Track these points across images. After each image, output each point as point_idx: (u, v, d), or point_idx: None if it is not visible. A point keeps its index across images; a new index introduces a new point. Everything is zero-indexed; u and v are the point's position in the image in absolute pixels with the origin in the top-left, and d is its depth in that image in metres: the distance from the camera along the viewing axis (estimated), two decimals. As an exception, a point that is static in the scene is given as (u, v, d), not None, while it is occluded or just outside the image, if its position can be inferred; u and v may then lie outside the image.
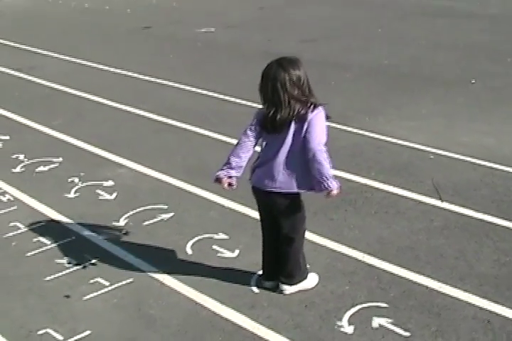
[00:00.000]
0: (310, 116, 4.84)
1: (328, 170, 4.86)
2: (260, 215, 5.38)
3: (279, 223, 5.19)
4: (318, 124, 4.87)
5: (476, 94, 10.15)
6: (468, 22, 15.12)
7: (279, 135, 4.91)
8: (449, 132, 8.60)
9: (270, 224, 5.28)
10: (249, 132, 4.99)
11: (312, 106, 4.87)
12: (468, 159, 7.70)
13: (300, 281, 5.37)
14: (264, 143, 5.06)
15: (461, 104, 9.69)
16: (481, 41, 13.35)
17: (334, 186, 4.88)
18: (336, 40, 14.16)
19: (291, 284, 5.35)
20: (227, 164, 5.05)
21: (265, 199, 5.15)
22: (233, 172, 5.05)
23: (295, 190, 5.02)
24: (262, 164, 5.07)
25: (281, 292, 5.37)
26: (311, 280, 5.45)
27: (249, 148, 5.02)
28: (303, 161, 4.93)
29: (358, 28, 15.37)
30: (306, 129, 4.85)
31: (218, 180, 5.09)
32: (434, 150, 7.99)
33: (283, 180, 4.98)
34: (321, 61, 11.92)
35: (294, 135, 4.89)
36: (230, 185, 5.10)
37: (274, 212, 5.17)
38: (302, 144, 4.88)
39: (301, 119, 4.84)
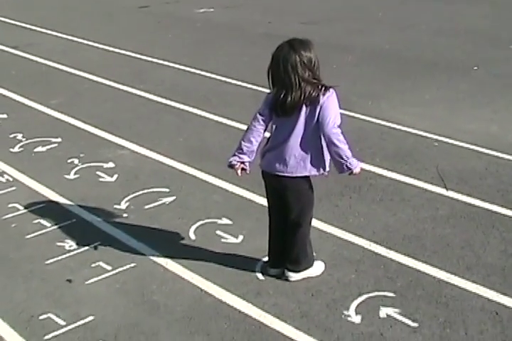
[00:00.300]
0: (322, 99, 4.76)
1: (346, 151, 4.84)
2: (268, 201, 5.29)
3: (287, 208, 5.11)
4: (331, 107, 4.80)
5: (479, 80, 10.05)
6: (468, 7, 14.96)
7: (290, 118, 4.83)
8: (453, 119, 8.51)
9: (278, 209, 5.20)
10: (259, 116, 4.91)
11: (323, 89, 4.78)
12: (473, 147, 7.62)
13: (306, 268, 5.30)
14: (274, 127, 4.97)
15: (465, 91, 9.59)
16: (482, 27, 13.21)
17: (355, 165, 4.89)
18: (336, 23, 14.02)
19: (296, 271, 5.28)
20: (239, 149, 4.99)
21: (275, 184, 5.07)
22: (245, 158, 5.00)
23: (307, 173, 4.97)
24: (272, 148, 4.99)
25: (286, 279, 5.29)
26: (317, 267, 5.38)
27: (260, 133, 4.95)
28: (316, 144, 4.89)
29: (358, 10, 15.21)
30: (319, 113, 4.78)
31: (231, 166, 5.04)
32: (438, 137, 7.90)
33: (294, 164, 4.91)
34: (322, 43, 11.64)
35: (306, 118, 4.81)
36: (243, 169, 5.04)
37: (283, 196, 5.08)
38: (315, 128, 4.82)
39: (313, 102, 4.76)
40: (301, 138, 4.87)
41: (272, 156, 4.99)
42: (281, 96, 4.76)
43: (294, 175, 4.96)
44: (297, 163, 4.92)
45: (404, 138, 7.97)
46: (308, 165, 4.94)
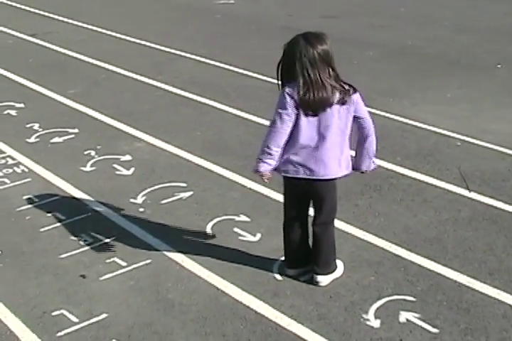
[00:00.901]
0: (354, 97, 4.64)
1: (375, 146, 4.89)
2: (288, 203, 5.08)
3: (318, 209, 4.99)
4: (362, 103, 4.72)
5: (502, 79, 9.89)
6: (491, 4, 14.77)
7: (321, 117, 4.61)
8: (475, 118, 8.36)
9: (302, 210, 5.08)
10: (285, 117, 4.61)
11: (348, 85, 4.65)
12: (496, 147, 7.46)
13: (334, 270, 5.17)
14: (300, 127, 4.66)
15: (487, 90, 9.43)
16: (505, 24, 13.02)
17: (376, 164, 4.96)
18: (357, 17, 13.86)
19: (327, 273, 5.11)
20: (269, 155, 4.70)
21: (307, 188, 4.86)
22: (274, 163, 4.77)
23: (340, 174, 4.83)
24: (301, 151, 4.71)
25: (316, 284, 5.11)
26: (340, 268, 5.27)
27: (287, 135, 4.67)
28: (345, 143, 4.75)
29: (379, 5, 15.04)
30: (355, 110, 4.67)
31: (261, 174, 4.79)
32: (460, 137, 7.75)
33: (330, 166, 4.73)
34: (342, 38, 11.62)
35: (339, 116, 4.62)
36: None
37: (315, 199, 4.95)
38: (346, 126, 4.68)
39: (345, 100, 4.60)
40: (335, 137, 4.68)
41: (302, 159, 4.72)
42: (309, 94, 4.53)
43: (329, 177, 4.78)
44: (333, 164, 4.74)
45: (426, 137, 7.83)
46: (343, 165, 4.80)
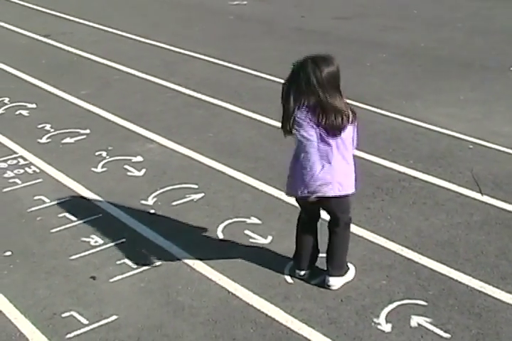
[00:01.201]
0: (355, 117, 4.73)
1: None
2: (305, 209, 5.15)
3: (336, 214, 5.03)
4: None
5: (516, 82, 9.84)
6: (504, 7, 14.69)
7: (341, 137, 4.68)
8: (488, 121, 8.31)
9: (316, 214, 5.18)
10: (310, 138, 4.68)
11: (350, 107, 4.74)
12: (509, 150, 7.42)
13: (346, 271, 5.16)
14: (316, 148, 4.73)
15: (500, 92, 9.37)
16: (518, 27, 12.99)
17: None
18: (370, 19, 13.79)
19: (339, 275, 5.10)
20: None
21: (329, 202, 4.93)
22: None
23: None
24: (321, 170, 4.78)
25: (329, 286, 5.10)
26: (351, 271, 5.25)
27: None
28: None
29: (392, 7, 14.97)
30: (353, 130, 4.78)
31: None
32: (473, 140, 7.70)
33: (353, 179, 4.88)
34: (355, 39, 11.61)
35: (350, 135, 4.74)
36: None
37: (333, 208, 4.99)
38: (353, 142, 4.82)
39: (354, 120, 4.70)
40: (352, 154, 4.82)
41: (325, 178, 4.76)
42: (328, 118, 4.57)
43: (353, 190, 4.90)
44: (353, 178, 4.87)
45: (438, 139, 7.79)
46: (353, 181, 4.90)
